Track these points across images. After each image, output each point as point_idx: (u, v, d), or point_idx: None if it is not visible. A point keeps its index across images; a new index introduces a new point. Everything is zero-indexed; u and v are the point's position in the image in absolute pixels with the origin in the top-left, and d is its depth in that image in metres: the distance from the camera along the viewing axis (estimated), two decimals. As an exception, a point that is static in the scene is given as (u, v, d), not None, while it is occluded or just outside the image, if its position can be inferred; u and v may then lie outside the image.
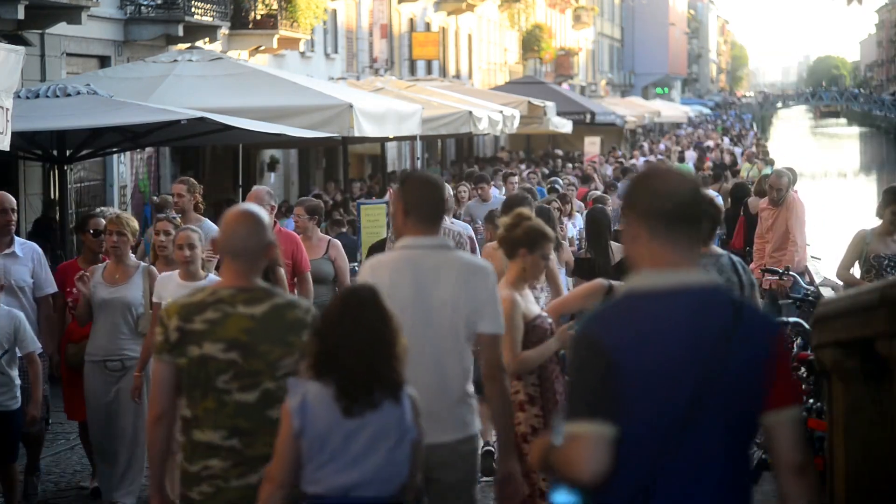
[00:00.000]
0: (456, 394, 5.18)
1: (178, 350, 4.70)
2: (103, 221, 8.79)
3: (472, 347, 5.25)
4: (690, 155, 40.98)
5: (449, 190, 8.80)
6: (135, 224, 8.50)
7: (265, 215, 4.95)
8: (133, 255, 8.61)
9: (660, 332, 3.19)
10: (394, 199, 5.56)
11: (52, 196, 16.18)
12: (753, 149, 41.45)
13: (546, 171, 28.06)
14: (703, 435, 3.18)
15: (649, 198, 3.26)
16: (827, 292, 10.82)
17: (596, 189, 21.72)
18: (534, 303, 6.73)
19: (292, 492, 4.26)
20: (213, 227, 9.57)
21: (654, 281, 3.25)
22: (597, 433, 3.15)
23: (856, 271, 10.39)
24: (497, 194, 15.47)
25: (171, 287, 7.76)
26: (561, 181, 17.95)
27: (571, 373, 3.28)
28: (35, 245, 9.16)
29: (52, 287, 8.90)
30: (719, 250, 7.07)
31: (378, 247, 10.49)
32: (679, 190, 3.25)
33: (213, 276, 7.83)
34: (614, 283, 7.28)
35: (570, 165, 31.20)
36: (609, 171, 29.54)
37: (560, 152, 37.71)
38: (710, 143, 49.97)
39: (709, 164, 33.99)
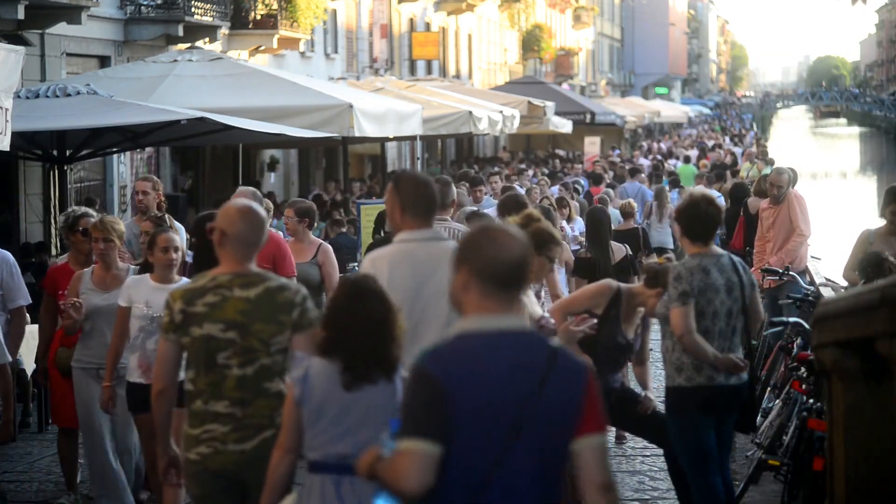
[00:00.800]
0: None
1: (182, 330, 5.28)
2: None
3: None
4: (693, 154, 41.05)
5: (453, 189, 8.84)
6: (121, 227, 8.15)
7: (260, 209, 5.45)
8: (120, 260, 8.22)
9: (485, 370, 3.63)
10: (389, 197, 5.84)
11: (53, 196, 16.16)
12: (753, 148, 41.47)
13: (545, 172, 28.07)
14: (521, 458, 3.63)
15: (483, 261, 3.68)
16: (827, 292, 10.81)
17: (610, 187, 21.85)
18: (537, 304, 6.74)
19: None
20: (177, 226, 9.38)
21: (481, 325, 3.69)
22: (423, 451, 3.55)
23: None
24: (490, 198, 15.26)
25: (143, 290, 7.38)
26: (569, 181, 17.87)
27: (406, 396, 3.71)
28: (7, 254, 8.62)
29: (24, 298, 8.46)
30: (719, 250, 7.07)
31: (382, 241, 10.11)
32: (511, 255, 3.69)
33: (185, 280, 7.13)
34: (622, 285, 7.32)
35: (579, 166, 31.21)
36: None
37: (563, 153, 37.78)
38: (711, 142, 49.97)
39: (704, 162, 33.99)
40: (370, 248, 10.21)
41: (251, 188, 9.96)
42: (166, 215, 9.02)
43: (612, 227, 11.54)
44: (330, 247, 10.02)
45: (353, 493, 4.65)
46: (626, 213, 15.59)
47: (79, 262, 8.49)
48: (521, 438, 3.63)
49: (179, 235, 7.94)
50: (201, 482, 5.31)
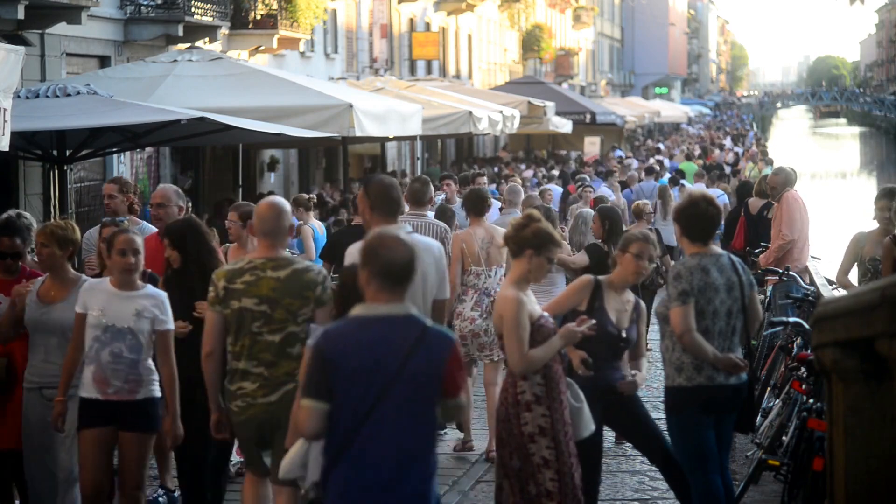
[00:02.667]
0: None
1: (224, 303, 6.54)
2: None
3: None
4: (696, 152, 41.19)
5: (431, 188, 9.88)
6: (69, 234, 7.41)
7: (287, 205, 6.74)
8: (72, 268, 7.57)
9: (360, 343, 4.75)
10: (360, 198, 7.02)
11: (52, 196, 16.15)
12: (754, 148, 41.51)
13: (544, 172, 28.09)
14: (387, 412, 4.72)
15: (378, 264, 4.76)
16: (826, 292, 10.80)
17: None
18: (536, 303, 6.75)
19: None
20: (151, 230, 9.12)
21: (368, 311, 4.80)
22: (314, 407, 4.77)
23: (854, 275, 10.34)
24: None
25: (100, 297, 6.95)
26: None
27: (307, 366, 4.93)
28: None
29: None
30: (718, 250, 7.07)
31: (348, 233, 9.99)
32: (400, 259, 4.75)
33: (151, 288, 7.09)
34: (600, 277, 7.33)
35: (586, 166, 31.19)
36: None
37: (573, 154, 37.80)
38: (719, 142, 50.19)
39: (701, 161, 34.16)
40: (336, 235, 11.20)
41: (173, 186, 9.37)
42: (129, 219, 8.69)
43: (625, 228, 11.69)
44: None
45: None
46: (639, 214, 15.63)
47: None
48: (388, 397, 4.72)
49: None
50: (240, 428, 6.63)
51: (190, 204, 10.30)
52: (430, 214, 10.15)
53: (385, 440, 4.74)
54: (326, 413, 4.75)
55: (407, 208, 9.31)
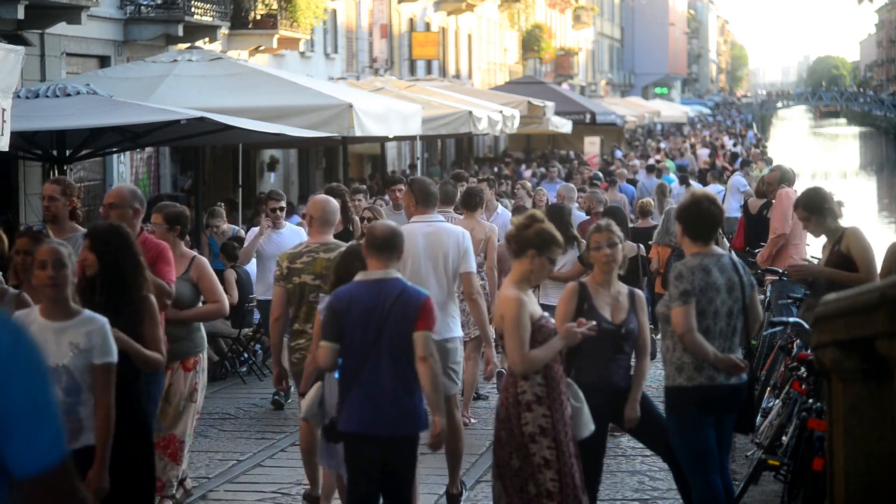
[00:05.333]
0: (447, 308, 8.66)
1: (287, 279, 8.10)
2: None
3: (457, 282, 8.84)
4: (703, 152, 41.23)
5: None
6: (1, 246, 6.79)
7: (333, 201, 8.44)
8: (2, 278, 6.96)
9: (359, 299, 6.49)
10: (406, 193, 9.24)
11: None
12: (754, 149, 41.53)
13: (542, 172, 28.09)
14: (381, 353, 6.44)
15: (369, 241, 6.62)
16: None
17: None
18: (536, 303, 6.74)
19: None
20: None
21: (367, 276, 6.58)
22: (330, 346, 6.49)
23: None
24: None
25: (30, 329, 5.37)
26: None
27: (323, 317, 6.67)
28: None
29: None
30: (720, 250, 7.05)
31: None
32: (383, 236, 6.57)
33: (88, 313, 5.87)
34: (583, 280, 7.30)
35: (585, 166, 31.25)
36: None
37: (573, 154, 37.83)
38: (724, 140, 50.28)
39: (706, 160, 34.26)
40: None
41: (130, 186, 8.59)
42: (48, 229, 7.73)
43: (630, 225, 12.00)
44: (205, 259, 8.81)
45: None
46: (644, 211, 15.96)
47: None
48: (381, 340, 6.43)
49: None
50: (298, 377, 8.01)
51: (188, 208, 10.03)
52: (453, 210, 11.45)
53: (383, 369, 6.43)
54: (338, 350, 6.48)
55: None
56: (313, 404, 7.25)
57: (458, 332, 8.78)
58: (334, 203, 8.39)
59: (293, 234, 12.27)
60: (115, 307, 6.24)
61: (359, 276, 6.61)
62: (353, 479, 6.57)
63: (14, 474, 2.36)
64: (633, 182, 24.49)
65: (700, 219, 6.94)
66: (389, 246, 6.56)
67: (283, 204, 12.97)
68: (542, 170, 29.61)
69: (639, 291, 7.41)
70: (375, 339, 6.41)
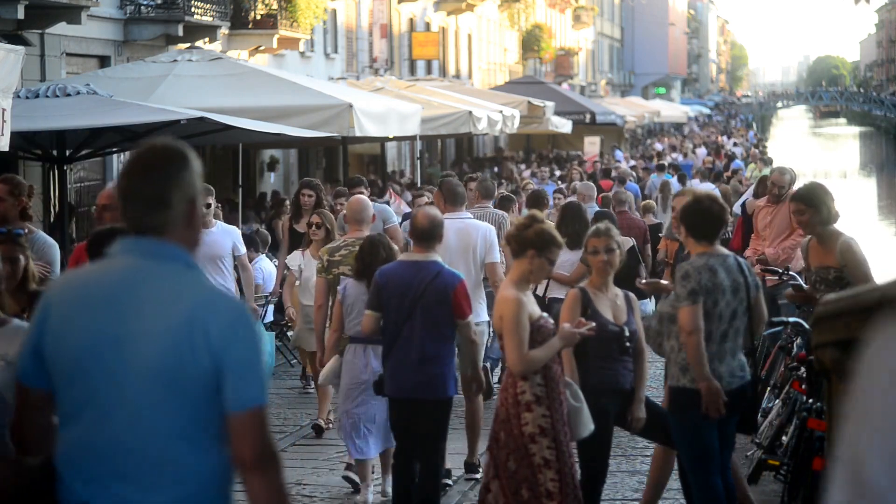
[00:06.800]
0: (475, 295, 9.22)
1: (327, 271, 9.04)
2: None
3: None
4: (701, 152, 41.29)
5: (494, 185, 12.75)
6: None
7: (368, 200, 9.82)
8: None
9: (398, 276, 7.52)
10: (436, 194, 10.58)
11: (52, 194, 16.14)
12: (753, 149, 41.54)
13: (546, 171, 28.08)
14: (414, 326, 7.40)
15: (413, 229, 7.67)
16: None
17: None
18: (535, 304, 6.73)
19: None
20: (46, 240, 7.91)
21: (408, 257, 7.72)
22: (372, 315, 7.57)
23: None
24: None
25: None
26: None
27: (371, 289, 7.74)
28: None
29: None
30: (724, 251, 7.03)
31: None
32: (424, 225, 7.57)
33: (17, 322, 4.56)
34: (582, 285, 7.31)
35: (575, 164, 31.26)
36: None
37: (573, 153, 37.85)
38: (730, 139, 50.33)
39: (708, 159, 34.38)
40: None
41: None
42: (19, 230, 6.80)
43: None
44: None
45: (374, 353, 8.12)
46: (648, 210, 16.36)
47: None
48: (413, 316, 7.38)
49: (42, 251, 6.59)
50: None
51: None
52: (491, 205, 12.09)
53: (415, 339, 7.40)
54: (378, 318, 7.53)
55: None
56: (330, 374, 8.59)
57: (485, 316, 9.50)
58: (368, 202, 9.67)
59: (224, 233, 11.11)
60: None
61: (402, 256, 7.92)
62: (395, 436, 7.83)
63: (227, 409, 3.31)
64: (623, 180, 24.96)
65: (702, 218, 6.93)
66: (429, 234, 7.53)
67: (211, 201, 11.09)
68: (546, 169, 29.63)
69: (632, 294, 7.45)
70: (409, 313, 7.37)
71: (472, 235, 9.71)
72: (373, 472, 8.66)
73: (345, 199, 14.83)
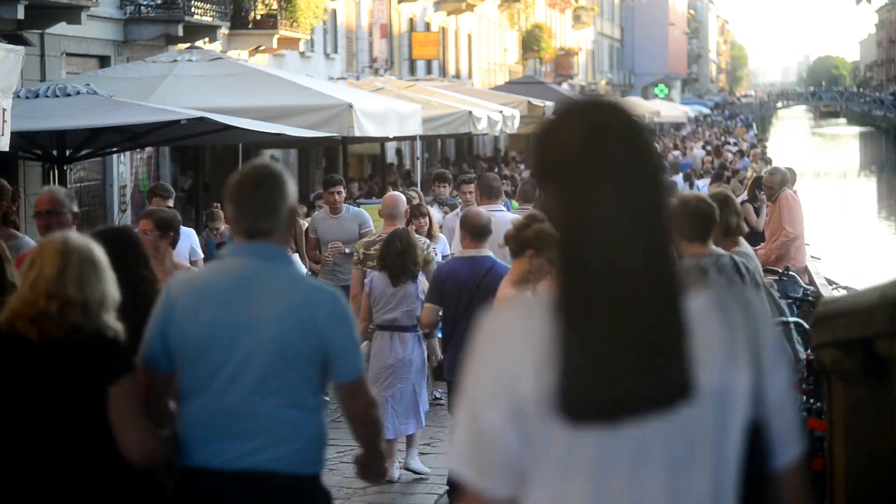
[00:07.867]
0: None
1: (363, 263, 9.82)
2: None
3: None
4: (699, 153, 41.30)
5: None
6: None
7: (402, 196, 10.84)
8: None
9: (456, 272, 8.19)
10: (475, 188, 11.47)
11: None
12: (757, 149, 41.56)
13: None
14: (470, 318, 6.77)
15: (465, 226, 8.34)
16: (826, 292, 10.79)
17: None
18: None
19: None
20: (30, 244, 7.25)
21: (463, 253, 8.39)
22: (432, 307, 8.31)
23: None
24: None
25: None
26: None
27: (431, 282, 8.61)
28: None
29: None
30: (719, 250, 7.01)
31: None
32: (477, 223, 8.28)
33: None
34: None
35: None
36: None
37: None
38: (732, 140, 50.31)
39: (708, 158, 34.41)
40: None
41: (63, 189, 8.04)
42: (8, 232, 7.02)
43: None
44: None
45: (399, 340, 9.04)
46: None
47: None
48: (471, 308, 7.72)
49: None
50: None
51: (189, 207, 9.76)
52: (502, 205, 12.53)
53: (473, 327, 7.04)
54: (437, 310, 8.28)
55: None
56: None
57: None
58: (402, 198, 10.66)
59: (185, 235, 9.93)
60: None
61: (457, 253, 8.82)
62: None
63: (336, 380, 4.20)
64: None
65: (689, 218, 6.89)
66: (481, 231, 8.25)
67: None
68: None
69: None
70: (467, 306, 7.90)
71: (500, 228, 10.04)
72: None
73: (322, 201, 14.80)
